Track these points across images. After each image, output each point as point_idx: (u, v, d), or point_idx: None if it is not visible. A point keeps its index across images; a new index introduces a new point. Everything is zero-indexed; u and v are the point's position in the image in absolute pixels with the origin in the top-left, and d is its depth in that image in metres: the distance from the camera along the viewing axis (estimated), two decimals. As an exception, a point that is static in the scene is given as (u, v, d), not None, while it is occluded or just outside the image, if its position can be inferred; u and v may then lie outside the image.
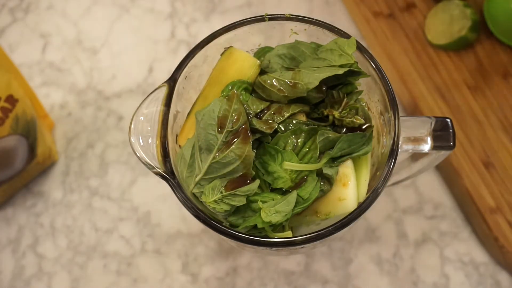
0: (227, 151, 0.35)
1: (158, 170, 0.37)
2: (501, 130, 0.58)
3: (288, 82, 0.38)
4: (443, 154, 0.43)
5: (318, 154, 0.37)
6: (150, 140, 0.38)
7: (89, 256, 0.58)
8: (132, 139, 0.38)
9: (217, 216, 0.38)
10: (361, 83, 0.41)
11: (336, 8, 0.68)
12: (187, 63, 0.40)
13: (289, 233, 0.38)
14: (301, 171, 0.37)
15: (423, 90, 0.59)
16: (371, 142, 0.38)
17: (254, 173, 0.37)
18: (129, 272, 0.58)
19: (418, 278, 0.57)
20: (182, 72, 0.40)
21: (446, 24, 0.59)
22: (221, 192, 0.36)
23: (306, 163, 0.37)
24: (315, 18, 0.41)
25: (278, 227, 0.38)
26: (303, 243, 0.36)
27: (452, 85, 0.59)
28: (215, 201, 0.36)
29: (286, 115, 0.38)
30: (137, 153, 0.38)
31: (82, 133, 0.63)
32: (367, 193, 0.40)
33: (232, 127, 0.35)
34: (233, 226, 0.38)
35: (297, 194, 0.37)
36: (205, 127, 0.36)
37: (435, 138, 0.40)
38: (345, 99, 0.39)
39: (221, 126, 0.35)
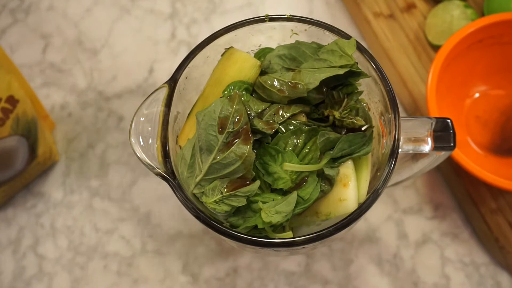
0: (228, 151, 0.35)
1: (159, 170, 0.37)
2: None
3: (289, 82, 0.38)
4: (443, 154, 0.43)
5: (318, 154, 0.37)
6: (150, 141, 0.38)
7: (90, 256, 0.58)
8: (133, 140, 0.38)
9: (218, 217, 0.38)
10: (362, 84, 0.41)
11: (336, 9, 0.68)
12: (188, 64, 0.40)
13: (289, 234, 0.38)
14: (302, 172, 0.37)
15: (424, 91, 0.59)
16: (372, 143, 0.38)
17: (254, 174, 0.37)
18: (130, 272, 0.58)
19: (418, 278, 0.57)
20: (182, 72, 0.40)
21: (446, 24, 0.59)
22: (222, 193, 0.36)
23: (307, 163, 0.37)
24: (315, 18, 0.41)
25: (278, 228, 0.38)
26: (303, 243, 0.36)
27: (453, 85, 0.59)
28: (215, 201, 0.36)
29: (287, 115, 0.38)
30: (137, 153, 0.38)
31: (83, 133, 0.63)
32: (367, 193, 0.40)
33: (233, 128, 0.35)
34: (234, 226, 0.38)
35: (298, 195, 0.37)
36: (205, 128, 0.36)
37: (435, 139, 0.40)
38: (345, 100, 0.39)
39: (221, 127, 0.35)
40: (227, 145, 0.35)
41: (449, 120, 0.41)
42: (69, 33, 0.68)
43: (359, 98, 0.40)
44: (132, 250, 0.58)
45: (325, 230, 0.36)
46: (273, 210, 0.36)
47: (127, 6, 0.69)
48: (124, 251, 0.58)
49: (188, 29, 0.68)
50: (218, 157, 0.36)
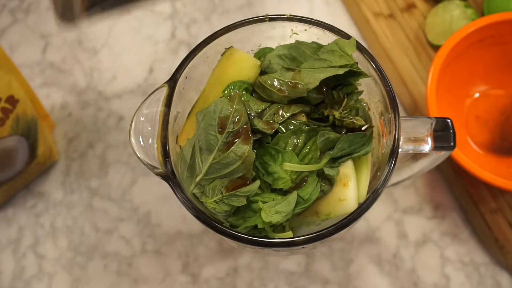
0: (228, 151, 0.35)
1: (159, 170, 0.37)
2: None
3: (289, 82, 0.38)
4: (443, 154, 0.43)
5: (318, 154, 0.37)
6: (150, 141, 0.38)
7: (90, 256, 0.58)
8: (133, 140, 0.38)
9: (218, 217, 0.38)
10: (362, 84, 0.41)
11: (336, 8, 0.68)
12: (188, 64, 0.40)
13: (289, 234, 0.38)
14: (302, 172, 0.37)
15: (424, 91, 0.59)
16: (371, 143, 0.38)
17: (254, 174, 0.37)
18: (130, 272, 0.58)
19: (418, 278, 0.57)
20: (182, 72, 0.40)
21: (446, 24, 0.59)
22: (222, 193, 0.36)
23: (307, 163, 0.37)
24: (315, 18, 0.41)
25: (278, 228, 0.38)
26: (303, 243, 0.36)
27: (453, 85, 0.59)
28: (215, 201, 0.36)
29: (287, 115, 0.38)
30: (137, 153, 0.38)
31: (83, 133, 0.63)
32: (367, 193, 0.39)
33: (233, 128, 0.35)
34: (233, 226, 0.38)
35: (298, 195, 0.37)
36: (205, 128, 0.36)
37: (435, 139, 0.40)
38: (345, 100, 0.39)
39: (221, 127, 0.35)
40: (227, 145, 0.35)
41: (449, 120, 0.41)
42: (69, 33, 0.68)
43: (359, 98, 0.40)
44: (132, 250, 0.58)
45: (325, 230, 0.35)
46: (273, 210, 0.36)
47: (127, 6, 0.69)
48: (124, 251, 0.58)
49: (188, 29, 0.68)
50: (218, 157, 0.35)
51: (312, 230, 0.38)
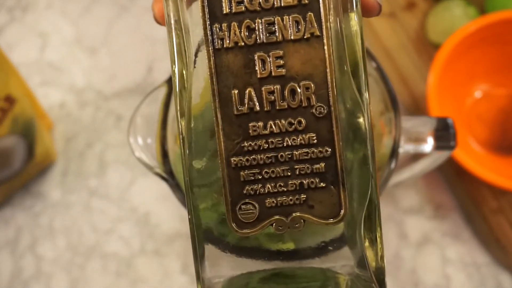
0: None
1: (157, 170, 0.37)
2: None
3: None
4: (444, 154, 0.43)
5: None
6: (149, 141, 0.37)
7: (88, 256, 0.58)
8: (131, 140, 0.37)
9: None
10: (362, 83, 0.41)
11: (336, 7, 0.68)
12: (187, 63, 0.40)
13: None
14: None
15: (424, 90, 0.59)
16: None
17: None
18: (129, 273, 0.57)
19: (419, 279, 0.56)
20: (181, 71, 0.39)
21: (447, 23, 0.59)
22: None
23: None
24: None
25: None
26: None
27: (453, 84, 0.59)
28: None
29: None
30: (136, 153, 0.37)
31: (81, 133, 0.63)
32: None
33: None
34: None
35: None
36: (204, 128, 0.35)
37: (436, 138, 0.40)
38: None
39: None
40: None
41: (450, 120, 0.40)
42: (68, 32, 0.68)
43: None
44: (131, 251, 0.58)
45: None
46: None
47: (126, 5, 0.69)
48: (123, 251, 0.58)
49: (187, 28, 0.67)
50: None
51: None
